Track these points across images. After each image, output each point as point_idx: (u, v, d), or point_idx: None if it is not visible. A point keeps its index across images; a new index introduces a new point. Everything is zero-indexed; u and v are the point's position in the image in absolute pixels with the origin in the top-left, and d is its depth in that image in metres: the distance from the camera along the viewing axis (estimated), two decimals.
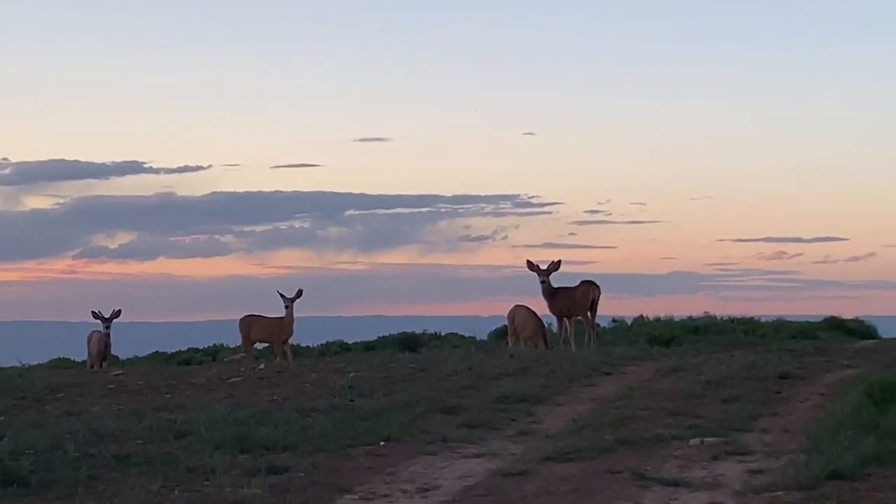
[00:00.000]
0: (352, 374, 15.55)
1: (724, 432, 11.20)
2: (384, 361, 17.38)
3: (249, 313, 21.91)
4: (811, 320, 31.99)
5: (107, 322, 21.77)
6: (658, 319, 31.54)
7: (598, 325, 22.86)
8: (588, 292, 21.49)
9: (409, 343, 26.64)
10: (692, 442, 10.74)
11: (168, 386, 15.62)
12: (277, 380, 15.68)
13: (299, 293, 21.35)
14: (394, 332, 31.94)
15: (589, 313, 21.66)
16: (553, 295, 21.59)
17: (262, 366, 17.29)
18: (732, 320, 31.09)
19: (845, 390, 13.13)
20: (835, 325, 30.04)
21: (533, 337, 21.92)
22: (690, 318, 31.90)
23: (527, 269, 21.69)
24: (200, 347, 31.33)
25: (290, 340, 22.12)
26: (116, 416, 12.51)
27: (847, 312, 33.00)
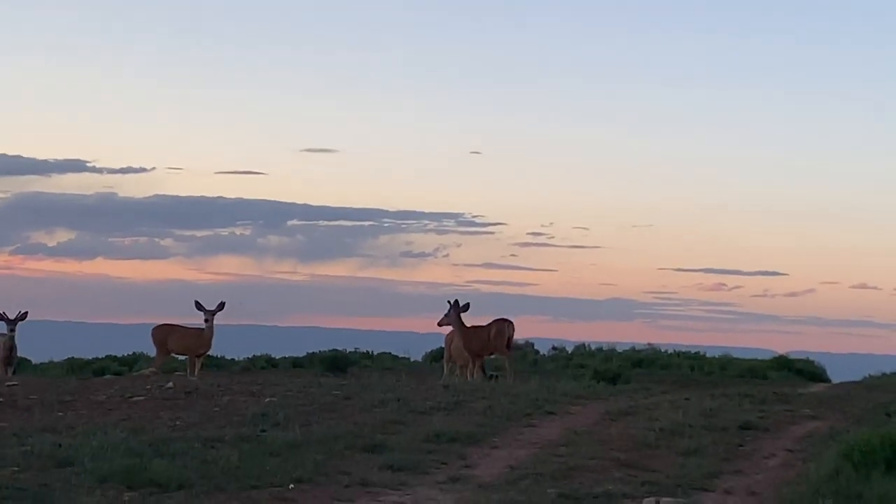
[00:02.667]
0: (267, 400, 14.25)
1: (682, 491, 10.06)
2: (305, 386, 16.03)
3: (165, 322, 20.32)
4: (759, 357, 31.36)
5: (11, 324, 20.13)
6: (601, 350, 30.62)
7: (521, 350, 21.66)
8: (503, 330, 20.35)
9: (337, 363, 25.43)
10: (646, 501, 9.59)
11: (62, 402, 14.25)
12: (184, 402, 14.30)
13: (221, 306, 19.72)
14: (327, 346, 30.98)
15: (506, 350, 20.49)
16: (466, 334, 20.36)
17: (170, 384, 15.80)
18: (678, 354, 30.27)
19: (817, 448, 11.96)
20: (784, 365, 29.42)
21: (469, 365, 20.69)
22: (634, 349, 31.05)
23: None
24: (119, 355, 29.88)
25: (210, 353, 20.63)
26: None
27: (787, 347, 32.75)
